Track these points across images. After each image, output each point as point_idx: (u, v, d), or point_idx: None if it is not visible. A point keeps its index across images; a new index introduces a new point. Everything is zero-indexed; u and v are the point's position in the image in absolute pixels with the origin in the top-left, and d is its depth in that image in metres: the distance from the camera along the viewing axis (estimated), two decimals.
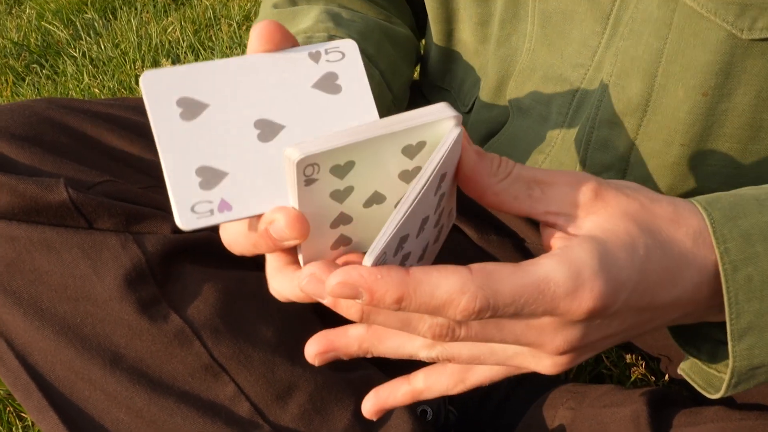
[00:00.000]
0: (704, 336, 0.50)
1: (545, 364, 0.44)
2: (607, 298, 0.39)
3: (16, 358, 0.65)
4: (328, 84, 0.46)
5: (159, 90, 0.43)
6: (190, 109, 0.44)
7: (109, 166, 0.69)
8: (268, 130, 0.45)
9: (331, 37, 0.65)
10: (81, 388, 0.64)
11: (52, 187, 0.64)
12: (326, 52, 0.46)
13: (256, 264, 0.74)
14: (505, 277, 0.38)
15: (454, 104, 0.78)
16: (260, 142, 0.45)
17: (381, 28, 0.74)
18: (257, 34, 0.45)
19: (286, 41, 0.46)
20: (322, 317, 0.73)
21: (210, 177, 0.44)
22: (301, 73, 0.46)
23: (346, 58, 0.46)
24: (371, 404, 0.51)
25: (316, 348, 0.46)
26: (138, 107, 0.75)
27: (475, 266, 0.38)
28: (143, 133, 0.72)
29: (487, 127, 0.73)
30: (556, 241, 0.42)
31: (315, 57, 0.46)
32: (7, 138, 0.66)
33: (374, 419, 0.52)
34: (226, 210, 0.43)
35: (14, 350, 0.65)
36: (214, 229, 0.71)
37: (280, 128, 0.45)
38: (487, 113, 0.72)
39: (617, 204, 0.43)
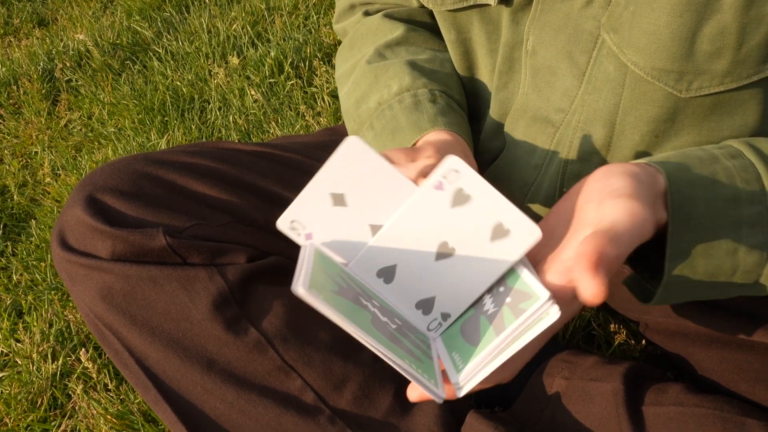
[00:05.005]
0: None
1: None
2: None
3: (136, 363, 0.71)
4: (460, 198, 0.46)
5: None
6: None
7: (195, 209, 0.73)
8: (443, 255, 0.48)
9: (431, 92, 0.68)
10: (186, 385, 0.70)
11: (153, 236, 0.68)
12: (445, 177, 0.46)
13: None
14: None
15: (476, 130, 0.79)
16: (436, 261, 0.48)
17: (451, 63, 0.75)
18: None
19: None
20: None
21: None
22: (438, 203, 0.47)
23: (461, 172, 0.46)
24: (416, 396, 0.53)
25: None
26: (215, 154, 0.78)
27: None
28: (220, 178, 0.76)
29: (491, 153, 0.75)
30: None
31: (439, 187, 0.46)
32: (118, 195, 0.71)
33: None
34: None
35: (134, 357, 0.71)
36: (279, 253, 0.76)
37: (452, 252, 0.48)
38: (490, 143, 0.75)
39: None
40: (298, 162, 0.82)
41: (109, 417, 0.92)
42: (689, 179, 0.50)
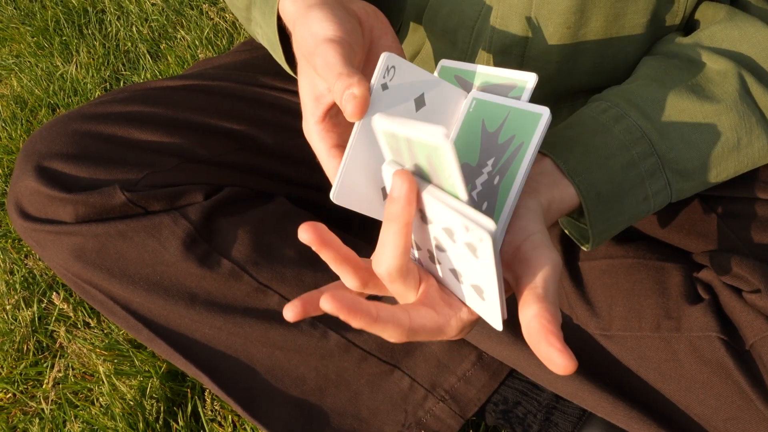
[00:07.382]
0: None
1: None
2: None
3: (122, 309, 0.76)
4: (420, 103, 0.51)
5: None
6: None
7: (142, 158, 0.75)
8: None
9: None
10: (174, 320, 0.76)
11: (112, 194, 0.71)
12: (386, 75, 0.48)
13: (270, 198, 0.82)
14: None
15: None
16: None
17: None
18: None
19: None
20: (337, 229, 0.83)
21: None
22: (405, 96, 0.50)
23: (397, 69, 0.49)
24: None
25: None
26: (146, 98, 0.79)
27: None
28: (158, 121, 0.77)
29: (412, 47, 0.79)
30: None
31: (384, 87, 0.48)
32: (65, 159, 0.73)
33: None
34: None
35: (119, 304, 0.76)
36: (235, 183, 0.79)
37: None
38: (410, 36, 0.78)
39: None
40: (227, 88, 0.83)
41: (99, 351, 0.98)
42: (588, 166, 0.55)
